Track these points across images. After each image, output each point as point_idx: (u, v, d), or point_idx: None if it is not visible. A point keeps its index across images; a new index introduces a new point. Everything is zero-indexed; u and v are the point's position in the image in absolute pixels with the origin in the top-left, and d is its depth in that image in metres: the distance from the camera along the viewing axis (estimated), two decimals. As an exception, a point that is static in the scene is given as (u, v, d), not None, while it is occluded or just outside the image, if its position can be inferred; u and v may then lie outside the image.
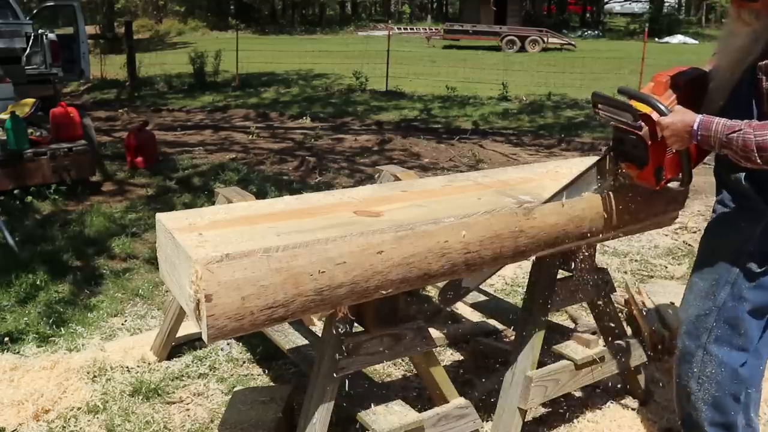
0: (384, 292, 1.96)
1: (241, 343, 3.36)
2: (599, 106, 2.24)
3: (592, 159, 2.53)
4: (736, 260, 2.11)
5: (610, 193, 2.37)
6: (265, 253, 1.76)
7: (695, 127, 1.98)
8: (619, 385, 2.97)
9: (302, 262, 1.79)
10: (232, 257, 1.71)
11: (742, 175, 2.08)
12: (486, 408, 2.72)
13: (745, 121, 1.91)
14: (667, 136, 2.05)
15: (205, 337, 1.72)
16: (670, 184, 2.27)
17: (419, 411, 2.29)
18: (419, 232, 1.98)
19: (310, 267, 1.80)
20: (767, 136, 1.84)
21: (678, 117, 2.02)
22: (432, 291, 3.99)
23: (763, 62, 1.93)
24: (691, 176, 2.22)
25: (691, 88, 2.18)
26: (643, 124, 2.10)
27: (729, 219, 2.17)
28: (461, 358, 3.33)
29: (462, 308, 3.66)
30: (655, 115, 2.07)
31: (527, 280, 2.63)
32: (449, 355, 3.35)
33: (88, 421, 2.74)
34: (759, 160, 1.87)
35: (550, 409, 2.87)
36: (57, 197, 5.72)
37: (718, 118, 1.96)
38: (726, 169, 2.15)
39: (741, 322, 2.12)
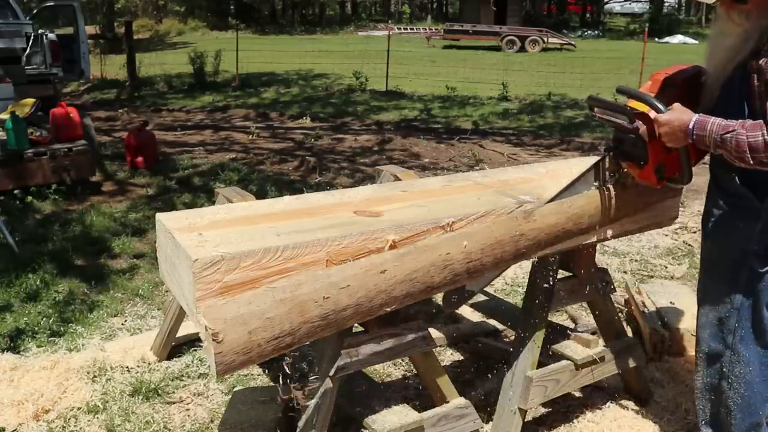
0: (388, 309, 1.96)
1: (241, 343, 3.36)
2: (595, 109, 2.26)
3: (591, 159, 2.54)
4: (743, 261, 2.12)
5: (608, 186, 2.37)
6: (266, 252, 1.76)
7: (691, 127, 2.00)
8: (619, 385, 2.97)
9: (306, 290, 1.79)
10: (234, 293, 1.72)
11: (736, 174, 2.09)
12: (486, 408, 2.72)
13: (740, 121, 1.93)
14: (663, 133, 2.07)
15: (213, 372, 1.72)
16: (670, 183, 2.28)
17: (419, 411, 2.29)
18: (421, 247, 1.98)
19: (314, 294, 1.80)
20: (759, 137, 1.86)
21: (675, 115, 2.04)
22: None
23: (754, 61, 1.95)
24: (691, 174, 2.23)
25: (688, 86, 2.19)
26: (640, 123, 2.11)
27: (727, 220, 2.17)
28: (461, 358, 3.33)
29: (462, 308, 3.65)
30: (652, 114, 2.08)
31: (527, 280, 2.63)
32: (449, 355, 3.35)
33: (88, 421, 2.74)
34: (751, 161, 1.89)
35: (550, 409, 2.87)
36: (57, 197, 5.72)
37: (713, 117, 1.97)
38: (721, 168, 2.16)
39: (763, 319, 2.13)
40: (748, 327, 2.15)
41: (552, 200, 2.28)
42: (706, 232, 2.30)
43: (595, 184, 2.37)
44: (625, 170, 2.34)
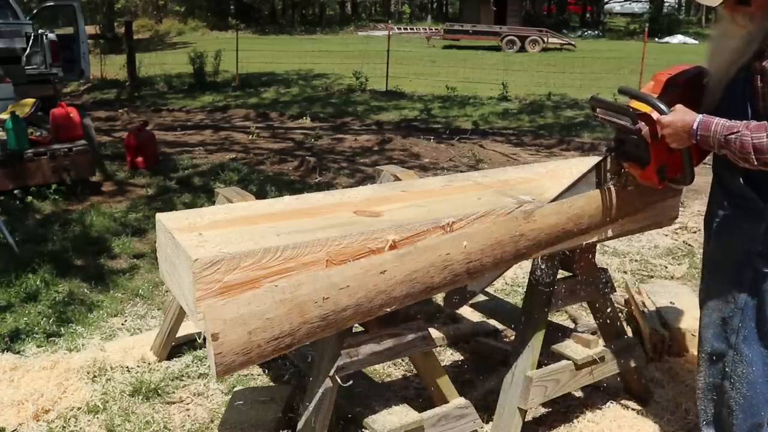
0: (388, 309, 1.96)
1: (241, 343, 3.36)
2: (598, 110, 2.26)
3: (592, 159, 2.54)
4: (747, 261, 2.12)
5: (609, 187, 2.37)
6: (266, 252, 1.76)
7: (695, 127, 2.00)
8: (619, 385, 2.97)
9: (306, 290, 1.79)
10: (234, 294, 1.72)
11: (740, 174, 2.09)
12: (486, 408, 2.72)
13: (744, 122, 1.93)
14: (667, 134, 2.07)
15: (213, 373, 1.72)
16: (672, 183, 2.29)
17: (419, 411, 2.29)
18: (421, 248, 1.97)
19: (314, 294, 1.79)
20: (764, 138, 1.86)
21: (678, 116, 2.04)
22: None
23: (758, 62, 1.95)
24: (693, 174, 2.23)
25: (690, 86, 2.19)
26: (643, 124, 2.11)
27: (730, 221, 2.17)
28: (461, 358, 3.33)
29: (462, 308, 3.65)
30: (655, 114, 2.08)
31: (527, 280, 2.63)
32: (449, 355, 3.35)
33: (88, 421, 2.74)
34: (756, 162, 1.89)
35: (550, 409, 2.87)
36: (57, 197, 5.72)
37: (717, 118, 1.97)
38: (724, 168, 2.16)
39: (767, 320, 2.13)
40: (751, 327, 2.15)
41: (553, 201, 2.28)
42: (710, 232, 2.30)
43: (596, 187, 2.37)
44: (627, 170, 2.35)
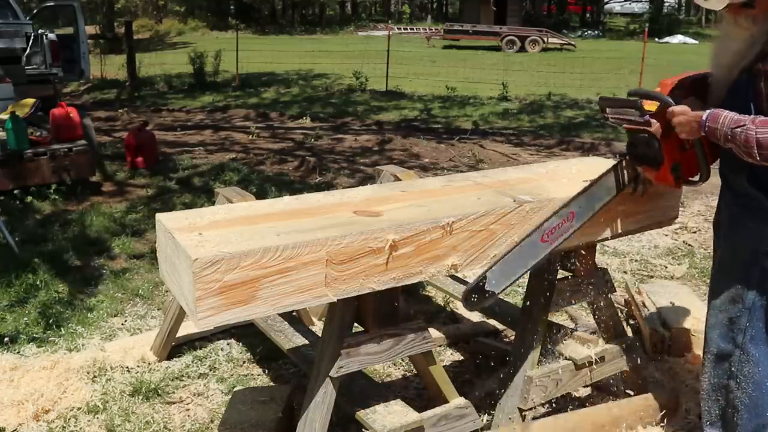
0: None
1: (241, 343, 3.37)
2: (607, 110, 2.27)
3: (592, 159, 2.54)
4: (754, 261, 2.12)
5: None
6: (265, 252, 1.75)
7: (704, 118, 2.02)
8: (619, 385, 2.97)
9: None
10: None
11: (745, 174, 2.09)
12: (486, 408, 2.72)
13: (751, 116, 1.94)
14: (677, 123, 2.09)
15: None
16: (688, 185, 2.30)
17: (419, 411, 2.29)
18: None
19: None
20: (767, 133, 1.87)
21: (689, 107, 2.06)
22: (432, 291, 3.99)
23: (761, 64, 1.96)
24: (709, 171, 2.24)
25: (694, 88, 2.21)
26: (652, 120, 2.13)
27: (738, 221, 2.18)
28: (461, 358, 3.33)
29: (462, 308, 3.65)
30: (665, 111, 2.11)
31: (527, 280, 2.63)
32: (449, 355, 3.35)
33: (88, 421, 2.74)
34: (758, 157, 1.91)
35: (550, 409, 2.87)
36: (57, 197, 5.72)
37: (726, 111, 2.00)
38: (729, 169, 2.17)
39: None
40: (759, 327, 2.15)
41: (569, 204, 2.23)
42: (718, 233, 2.31)
43: (614, 192, 2.36)
44: (643, 175, 2.36)
